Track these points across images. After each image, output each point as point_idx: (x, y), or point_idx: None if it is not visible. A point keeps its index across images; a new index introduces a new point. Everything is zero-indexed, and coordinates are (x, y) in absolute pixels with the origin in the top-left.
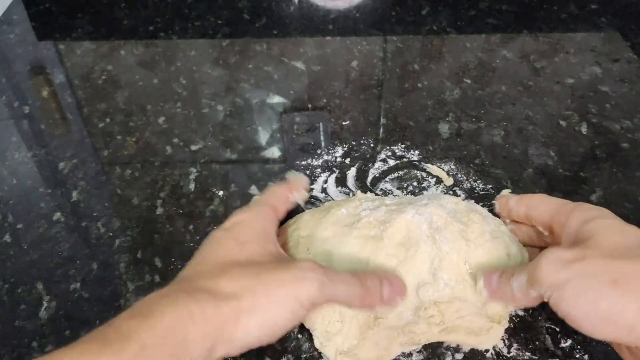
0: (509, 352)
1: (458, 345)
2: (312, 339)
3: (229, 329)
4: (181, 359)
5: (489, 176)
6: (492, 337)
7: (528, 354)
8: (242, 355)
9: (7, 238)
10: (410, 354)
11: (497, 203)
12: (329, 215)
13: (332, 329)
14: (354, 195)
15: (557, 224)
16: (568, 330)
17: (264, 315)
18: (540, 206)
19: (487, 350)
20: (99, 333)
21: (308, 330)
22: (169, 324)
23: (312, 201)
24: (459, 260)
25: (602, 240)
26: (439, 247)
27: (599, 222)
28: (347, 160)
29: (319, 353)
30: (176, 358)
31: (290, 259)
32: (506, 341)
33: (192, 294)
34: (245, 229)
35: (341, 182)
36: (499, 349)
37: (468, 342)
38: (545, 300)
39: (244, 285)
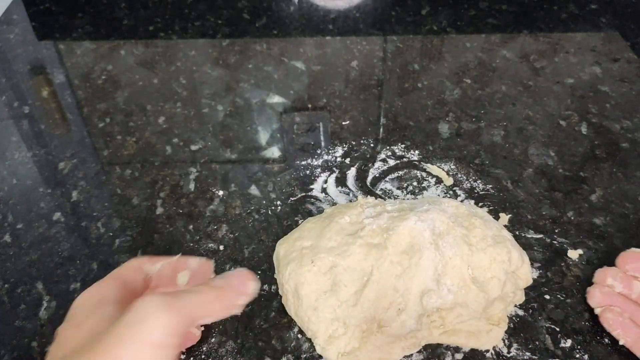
0: (509, 352)
1: (458, 346)
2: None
3: None
4: None
5: (489, 176)
6: (492, 339)
7: (528, 354)
8: (242, 355)
9: (7, 238)
10: (410, 354)
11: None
12: (332, 224)
13: (335, 334)
14: (354, 195)
15: None
16: (568, 330)
17: None
18: None
19: (487, 351)
20: None
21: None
22: None
23: (312, 201)
24: (462, 266)
25: None
26: (442, 253)
27: None
28: (347, 160)
29: (320, 353)
30: None
31: (130, 307)
32: (506, 341)
33: None
34: (80, 310)
35: (341, 182)
36: (499, 349)
37: (468, 344)
38: None
39: None
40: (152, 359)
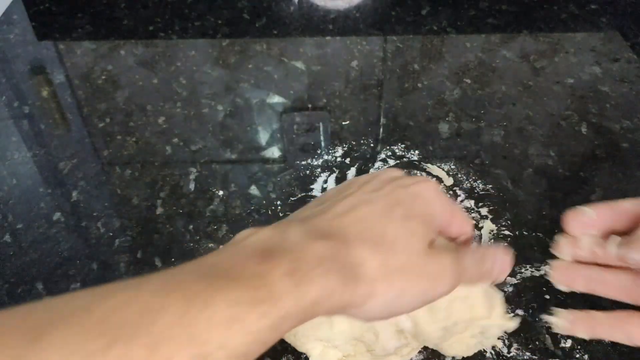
0: (509, 352)
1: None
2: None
3: (353, 306)
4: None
5: (488, 176)
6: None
7: (528, 354)
8: None
9: (7, 238)
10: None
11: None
12: None
13: (326, 350)
14: None
15: None
16: None
17: (390, 303)
18: None
19: (485, 351)
20: (244, 282)
21: None
22: (314, 299)
23: (310, 201)
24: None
25: None
26: None
27: None
28: (347, 160)
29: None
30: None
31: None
32: (506, 341)
33: (339, 271)
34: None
35: (341, 182)
36: (499, 349)
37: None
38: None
39: (385, 268)
40: (421, 302)
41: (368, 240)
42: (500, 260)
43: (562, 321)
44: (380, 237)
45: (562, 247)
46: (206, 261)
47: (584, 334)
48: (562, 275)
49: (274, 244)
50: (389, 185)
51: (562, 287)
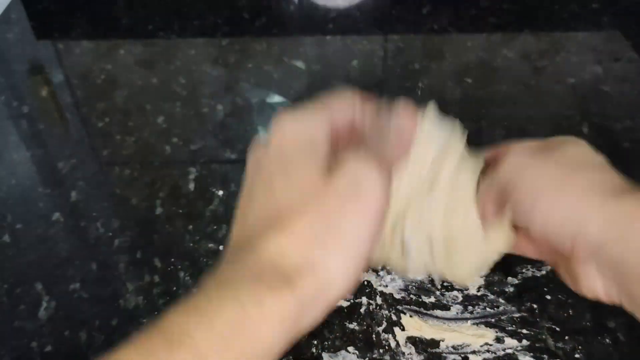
0: (508, 352)
1: (458, 347)
2: (312, 338)
3: (311, 298)
4: (252, 355)
5: None
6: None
7: (528, 354)
8: None
9: (6, 238)
10: (410, 354)
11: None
12: None
13: None
14: None
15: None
16: (568, 330)
17: (343, 266)
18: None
19: (485, 350)
20: (147, 337)
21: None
22: (234, 320)
23: None
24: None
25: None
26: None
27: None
28: None
29: (319, 353)
30: (246, 355)
31: (338, 161)
32: (506, 341)
33: (259, 279)
34: (280, 155)
35: None
36: (499, 348)
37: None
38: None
39: (307, 238)
40: (371, 230)
41: (269, 229)
42: (402, 119)
43: None
44: (276, 216)
45: None
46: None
47: None
48: None
49: None
50: (258, 166)
51: None
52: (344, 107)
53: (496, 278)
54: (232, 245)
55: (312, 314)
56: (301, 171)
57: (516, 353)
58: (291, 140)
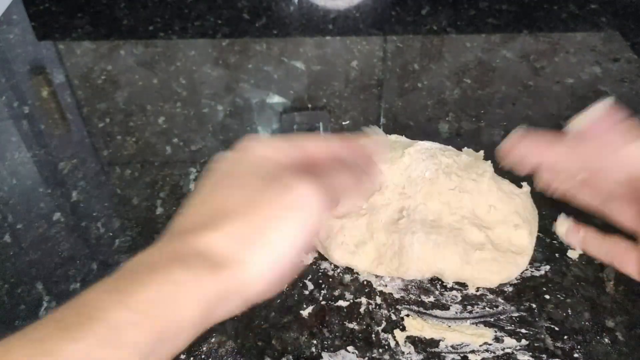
0: (507, 352)
1: (458, 346)
2: (312, 337)
3: (231, 291)
4: (168, 333)
5: None
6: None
7: (528, 353)
8: (242, 355)
9: (7, 238)
10: (410, 354)
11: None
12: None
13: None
14: None
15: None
16: (568, 330)
17: (266, 268)
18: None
19: (485, 350)
20: (60, 313)
21: (309, 329)
22: (151, 298)
23: None
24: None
25: None
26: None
27: None
28: None
29: (319, 353)
30: (161, 334)
31: (286, 179)
32: (506, 340)
33: (182, 262)
34: (244, 168)
35: None
36: (498, 348)
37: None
38: None
39: (238, 238)
40: (298, 243)
41: (206, 226)
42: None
43: (561, 226)
44: (214, 215)
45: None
46: None
47: (577, 243)
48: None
49: None
50: (213, 170)
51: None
52: (313, 144)
53: None
54: (166, 234)
55: (228, 307)
56: (247, 180)
57: (515, 352)
58: (249, 155)
